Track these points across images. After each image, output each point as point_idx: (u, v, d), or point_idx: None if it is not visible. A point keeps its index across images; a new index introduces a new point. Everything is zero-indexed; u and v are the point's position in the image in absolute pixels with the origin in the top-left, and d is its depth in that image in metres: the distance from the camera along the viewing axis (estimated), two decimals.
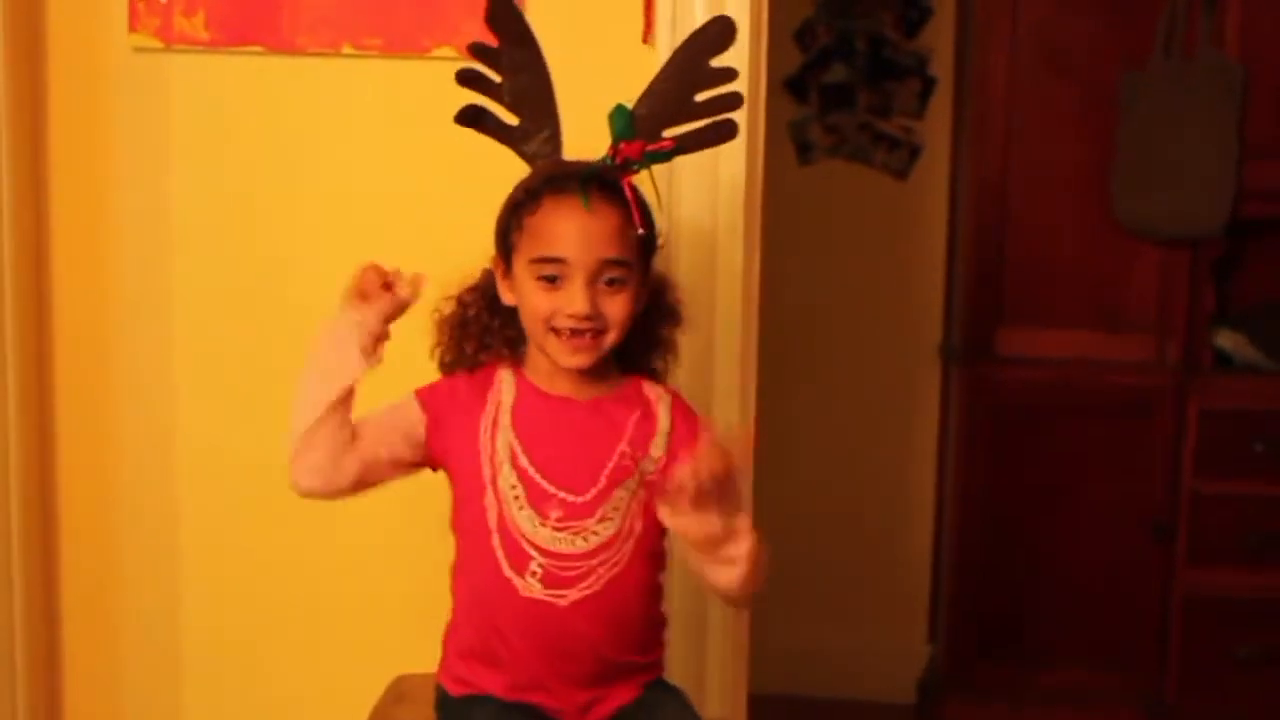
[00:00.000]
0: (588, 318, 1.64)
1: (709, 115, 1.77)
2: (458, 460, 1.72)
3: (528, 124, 1.76)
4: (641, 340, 1.77)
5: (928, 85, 3.70)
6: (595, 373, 1.71)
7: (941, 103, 3.70)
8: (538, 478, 1.68)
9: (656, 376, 1.80)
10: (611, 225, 1.65)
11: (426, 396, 1.74)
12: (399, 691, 1.97)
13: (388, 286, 1.71)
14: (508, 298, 1.73)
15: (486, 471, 1.68)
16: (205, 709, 2.41)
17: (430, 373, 1.80)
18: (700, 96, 1.77)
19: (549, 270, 1.65)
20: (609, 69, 2.11)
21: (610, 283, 1.65)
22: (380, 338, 1.71)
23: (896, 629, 3.81)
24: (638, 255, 1.68)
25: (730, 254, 2.21)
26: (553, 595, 1.67)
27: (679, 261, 2.18)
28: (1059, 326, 3.40)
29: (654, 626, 1.78)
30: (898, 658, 3.79)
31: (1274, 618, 3.27)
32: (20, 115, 2.25)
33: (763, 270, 2.31)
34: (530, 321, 1.68)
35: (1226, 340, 3.34)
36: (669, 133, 1.75)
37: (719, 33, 1.77)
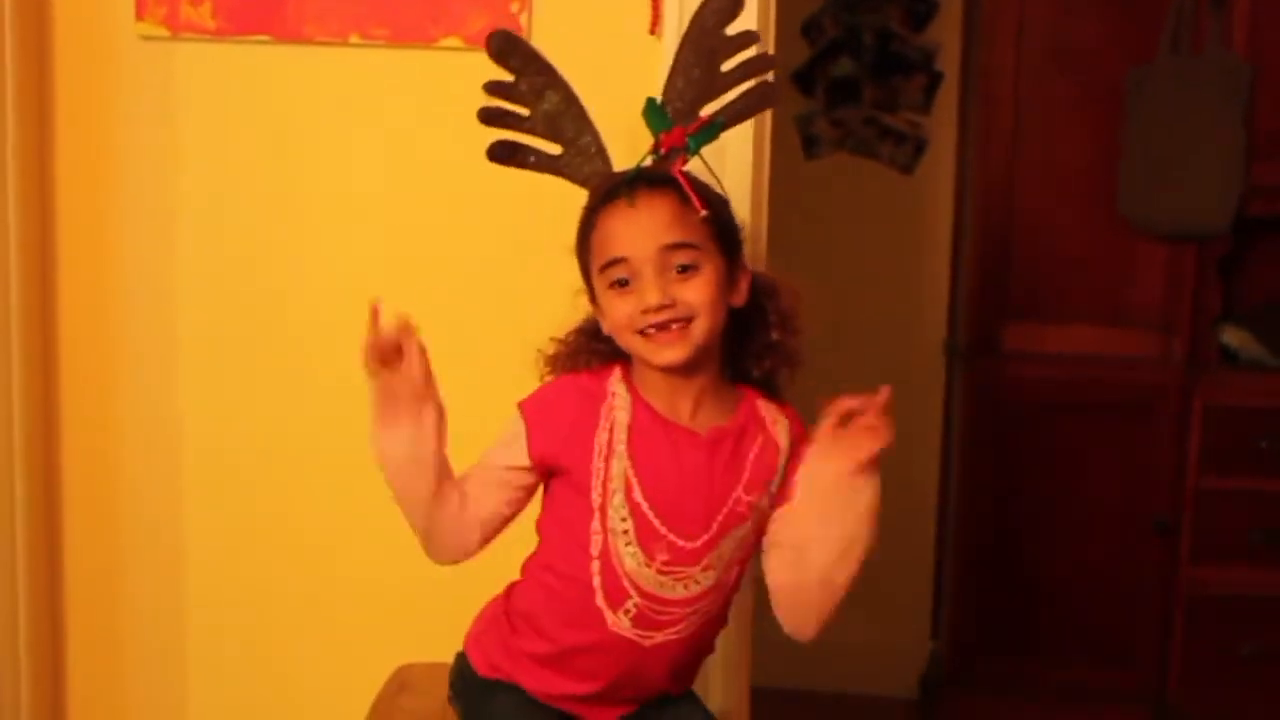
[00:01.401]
0: (664, 306, 1.57)
1: (741, 82, 1.74)
2: (566, 472, 1.65)
3: (570, 147, 1.73)
4: (747, 346, 1.71)
5: (934, 80, 3.69)
6: (717, 397, 1.66)
7: (948, 98, 3.70)
8: (651, 516, 1.61)
9: (771, 390, 1.74)
10: (664, 213, 1.59)
11: (530, 407, 1.67)
12: (401, 681, 1.97)
13: (397, 350, 1.63)
14: (604, 326, 1.66)
15: (596, 496, 1.62)
16: (209, 698, 2.41)
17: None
18: (727, 66, 1.73)
19: (617, 274, 1.60)
20: (615, 62, 2.11)
21: (681, 270, 1.59)
22: (424, 397, 1.64)
23: (899, 624, 3.81)
24: (709, 238, 1.61)
25: None
26: (640, 635, 1.64)
27: None
28: (1064, 323, 3.40)
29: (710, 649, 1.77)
30: (901, 653, 3.79)
31: (1277, 615, 3.27)
32: (27, 103, 2.25)
33: (768, 263, 2.31)
34: (620, 336, 1.62)
35: (1232, 337, 3.33)
36: (706, 111, 1.72)
37: (727, 1, 1.74)
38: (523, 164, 1.74)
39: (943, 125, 3.71)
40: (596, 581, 1.62)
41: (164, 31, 2.26)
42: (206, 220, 2.32)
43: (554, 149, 1.74)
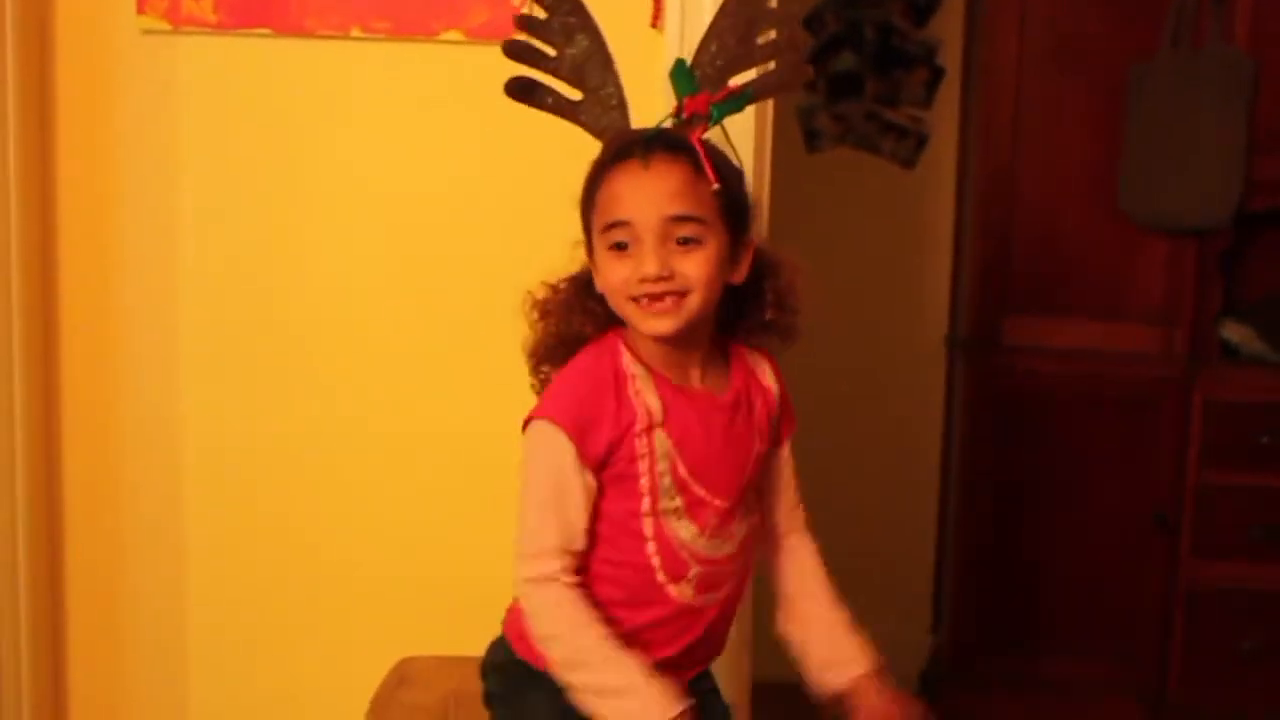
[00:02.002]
0: (661, 278, 1.55)
1: (772, 58, 1.70)
2: (610, 464, 1.61)
3: (591, 95, 1.69)
4: (742, 319, 1.70)
5: (935, 75, 3.69)
6: (711, 358, 1.67)
7: (949, 93, 3.70)
8: (696, 486, 1.63)
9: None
10: (675, 182, 1.56)
11: (564, 420, 1.59)
12: (402, 674, 1.97)
13: None
14: (598, 283, 1.64)
15: (645, 481, 1.61)
16: (210, 691, 2.41)
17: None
18: (761, 40, 1.69)
19: (617, 236, 1.57)
20: (617, 54, 2.11)
21: (683, 242, 1.56)
22: None
23: (900, 619, 3.80)
24: (717, 213, 1.58)
25: None
26: (705, 600, 1.66)
27: None
28: (1065, 317, 3.40)
29: None
30: (900, 647, 3.76)
31: (1277, 611, 3.27)
32: (28, 96, 2.25)
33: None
34: (613, 298, 1.61)
35: (1233, 332, 3.33)
36: (735, 81, 1.68)
37: None
38: (540, 104, 1.69)
39: (944, 120, 3.70)
40: (655, 562, 1.62)
41: (165, 25, 2.26)
42: (208, 214, 2.32)
43: (575, 94, 1.70)
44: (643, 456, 1.60)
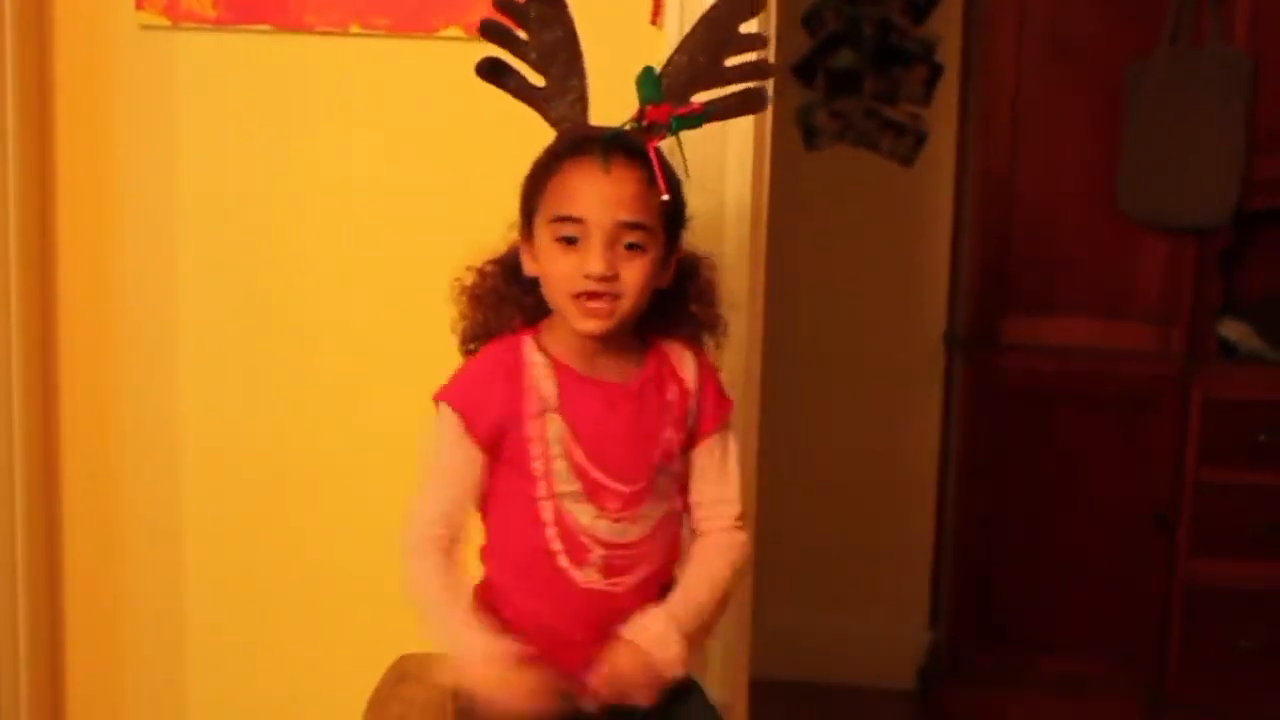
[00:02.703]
0: (604, 279, 1.60)
1: (738, 82, 1.74)
2: (502, 449, 1.67)
3: (555, 84, 1.72)
4: (669, 317, 1.74)
5: (934, 72, 3.69)
6: (626, 348, 1.70)
7: (948, 90, 3.69)
8: (595, 471, 1.66)
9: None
10: (631, 188, 1.62)
11: (455, 396, 1.68)
12: (402, 671, 1.97)
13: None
14: (530, 267, 1.69)
15: (538, 465, 1.65)
16: (210, 687, 2.41)
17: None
18: (730, 62, 1.73)
19: (567, 230, 1.62)
20: (616, 52, 2.11)
21: (630, 247, 1.62)
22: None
23: (898, 615, 3.82)
24: (660, 222, 1.65)
25: (737, 238, 2.21)
26: (611, 584, 1.68)
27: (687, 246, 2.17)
28: (1064, 315, 3.40)
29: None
30: (899, 644, 3.79)
31: (1275, 609, 3.27)
32: (27, 92, 2.25)
33: (768, 256, 2.31)
34: (550, 287, 1.66)
35: (1231, 330, 3.34)
36: (698, 98, 1.72)
37: None
38: (504, 85, 1.73)
39: (943, 117, 3.70)
40: (556, 546, 1.66)
41: (164, 21, 2.25)
42: (207, 211, 2.32)
43: (539, 81, 1.73)
44: (535, 440, 1.65)
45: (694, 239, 2.17)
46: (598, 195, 1.61)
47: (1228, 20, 3.21)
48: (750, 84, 1.76)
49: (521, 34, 1.72)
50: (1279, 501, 3.24)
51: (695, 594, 1.70)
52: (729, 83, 1.75)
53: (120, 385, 2.36)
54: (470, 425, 1.66)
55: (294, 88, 2.28)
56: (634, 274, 1.63)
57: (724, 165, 2.18)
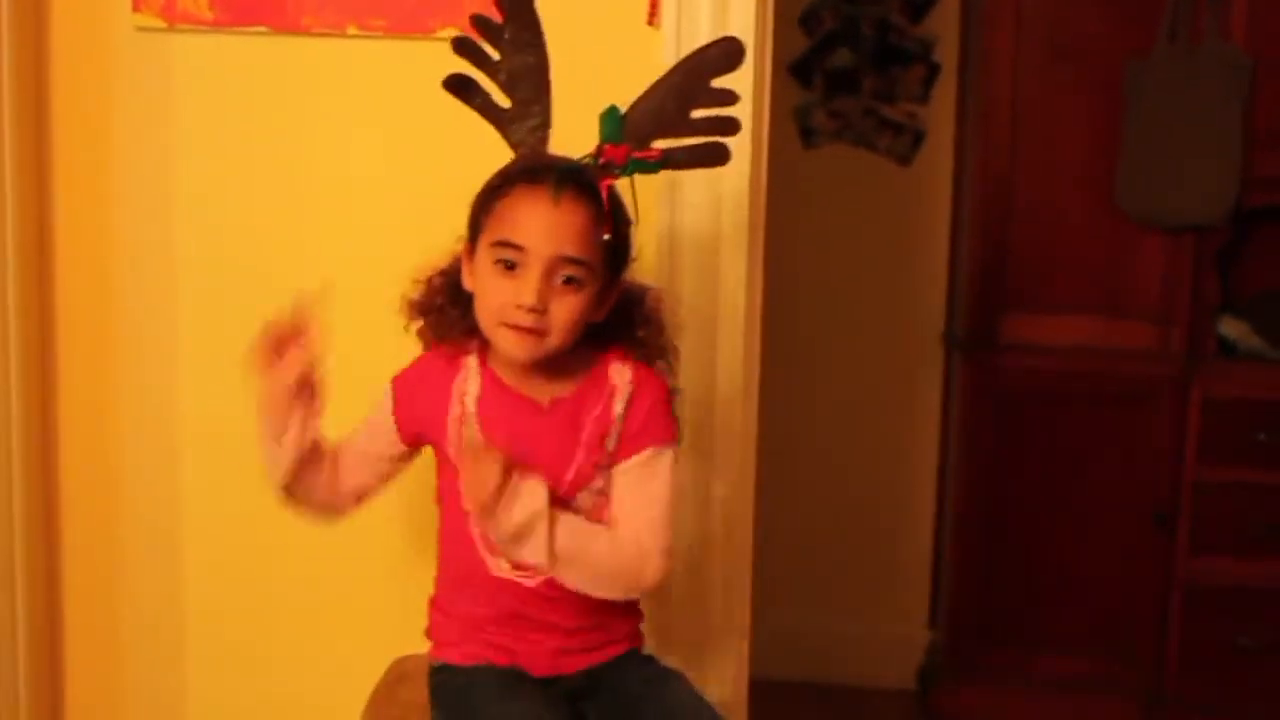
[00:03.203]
0: (533, 310, 1.63)
1: (703, 134, 1.76)
2: (433, 442, 1.78)
3: (519, 108, 1.75)
4: (618, 341, 1.76)
5: (932, 71, 3.69)
6: (556, 368, 1.72)
7: (946, 89, 3.70)
8: None
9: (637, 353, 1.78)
10: (578, 223, 1.64)
11: (398, 380, 1.80)
12: (401, 672, 1.97)
13: (280, 348, 1.71)
14: (468, 282, 1.73)
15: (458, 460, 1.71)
16: (208, 689, 2.41)
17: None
18: (697, 114, 1.75)
19: (507, 255, 1.64)
20: (613, 52, 2.11)
21: (566, 281, 1.64)
22: (300, 393, 1.72)
23: (897, 614, 3.82)
24: (601, 260, 1.67)
25: (735, 239, 2.20)
26: (520, 576, 1.73)
27: (683, 250, 2.17)
28: (1062, 314, 3.40)
29: (616, 605, 1.78)
30: (898, 643, 3.79)
31: (1274, 607, 3.27)
32: (24, 95, 2.25)
33: (766, 255, 2.31)
34: (481, 308, 1.69)
35: (1230, 329, 3.34)
36: (659, 144, 1.74)
37: (725, 54, 1.75)
38: (469, 101, 1.76)
39: (941, 116, 3.70)
40: (475, 532, 1.72)
41: (160, 23, 2.25)
42: (204, 213, 2.31)
43: (504, 102, 1.75)
44: (454, 438, 1.73)
45: (693, 242, 2.18)
46: (542, 226, 1.63)
47: (1225, 18, 3.21)
48: (713, 138, 1.76)
49: (493, 53, 1.74)
50: (1278, 500, 3.24)
51: (589, 526, 1.70)
52: (694, 134, 1.76)
53: (119, 385, 2.36)
54: (397, 412, 1.77)
55: (291, 89, 2.28)
56: (564, 310, 1.65)
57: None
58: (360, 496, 1.83)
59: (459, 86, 1.75)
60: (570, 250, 1.63)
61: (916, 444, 3.78)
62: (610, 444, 1.72)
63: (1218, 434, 3.27)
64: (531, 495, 1.62)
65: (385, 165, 2.28)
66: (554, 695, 1.73)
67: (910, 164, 3.73)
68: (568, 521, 1.66)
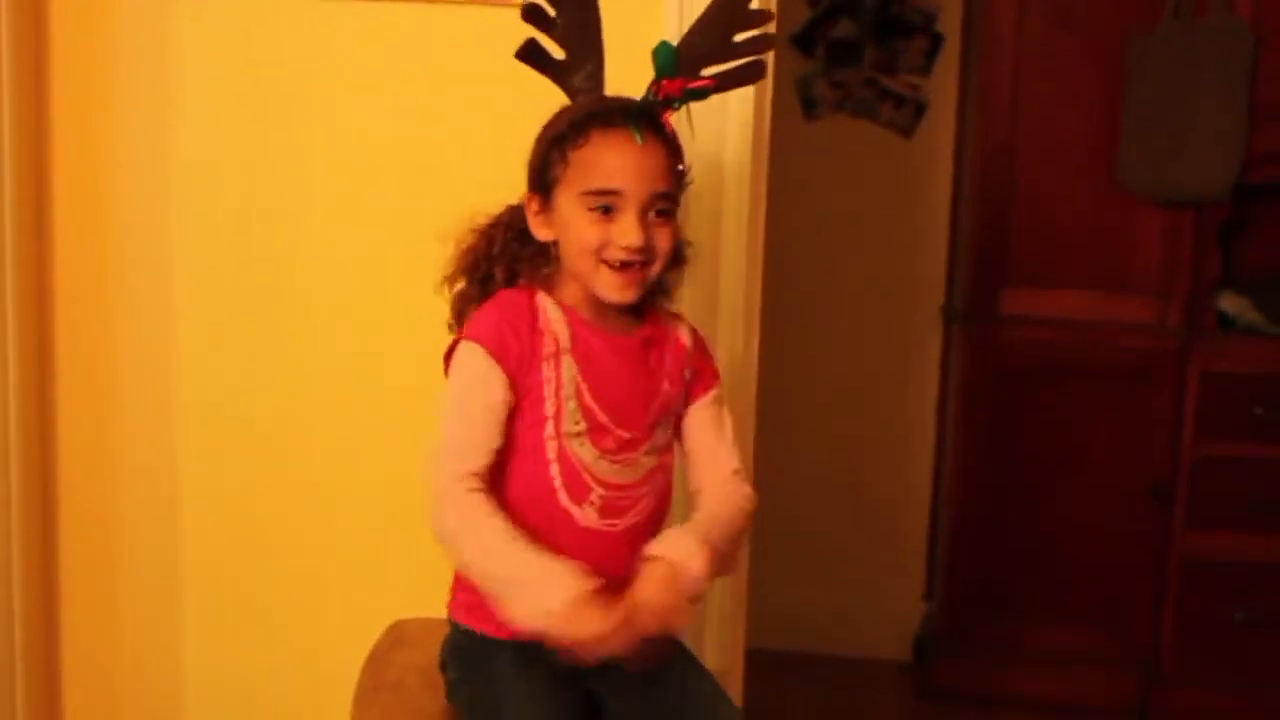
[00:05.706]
0: (640, 249, 1.67)
1: (742, 56, 1.80)
2: (518, 387, 1.69)
3: (574, 57, 1.77)
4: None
5: (935, 43, 3.68)
6: (628, 310, 1.75)
7: (948, 61, 3.68)
8: (600, 414, 1.71)
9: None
10: (661, 159, 1.68)
11: (482, 336, 1.69)
12: (396, 635, 1.98)
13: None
14: (543, 233, 1.74)
15: (550, 405, 1.69)
16: (206, 653, 2.42)
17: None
18: (738, 37, 1.79)
19: (604, 201, 1.67)
20: (615, 21, 2.10)
21: (660, 214, 1.68)
22: None
23: (894, 587, 3.82)
24: (678, 190, 1.72)
25: (736, 208, 2.20)
26: (608, 524, 1.72)
27: (685, 219, 2.16)
28: (1062, 288, 3.39)
29: None
30: (895, 615, 3.80)
31: (1271, 582, 3.28)
32: (22, 54, 2.23)
33: (767, 226, 2.30)
34: (578, 254, 1.70)
35: (1229, 304, 3.33)
36: (707, 72, 1.77)
37: None
38: (539, 65, 1.77)
39: (943, 88, 3.69)
40: (558, 483, 1.70)
41: None
42: (205, 176, 2.30)
43: (559, 54, 1.78)
44: (549, 380, 1.70)
45: (695, 209, 2.18)
46: (635, 168, 1.66)
47: None
48: (751, 58, 1.81)
49: (551, 11, 1.77)
50: (1276, 475, 3.25)
51: (714, 518, 1.74)
52: (735, 57, 1.80)
53: (117, 355, 2.36)
54: (500, 357, 1.68)
55: (296, 50, 2.26)
56: (664, 240, 1.69)
57: (724, 136, 2.18)
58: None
59: (533, 54, 1.77)
60: (661, 186, 1.68)
61: (915, 416, 3.78)
62: (688, 374, 1.79)
63: (1216, 408, 3.27)
64: (690, 555, 1.62)
65: (394, 129, 2.26)
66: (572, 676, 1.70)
67: (911, 136, 3.72)
68: (711, 528, 1.70)
